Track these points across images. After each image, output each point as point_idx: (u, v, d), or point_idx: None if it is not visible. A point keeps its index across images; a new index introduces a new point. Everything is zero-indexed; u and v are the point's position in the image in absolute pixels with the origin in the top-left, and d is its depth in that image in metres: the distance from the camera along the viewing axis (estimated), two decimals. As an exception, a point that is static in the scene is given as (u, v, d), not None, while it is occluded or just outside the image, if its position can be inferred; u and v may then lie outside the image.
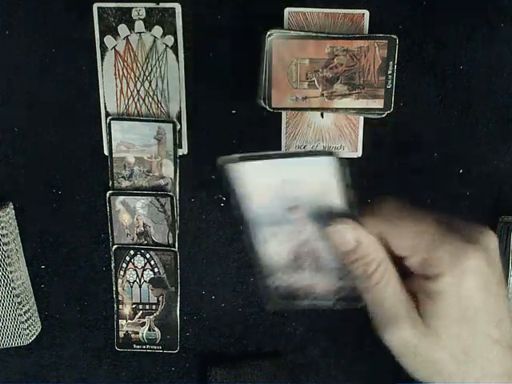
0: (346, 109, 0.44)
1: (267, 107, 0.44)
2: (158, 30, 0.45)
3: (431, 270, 0.30)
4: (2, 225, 0.45)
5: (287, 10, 0.44)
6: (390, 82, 0.44)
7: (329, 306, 0.36)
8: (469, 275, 0.29)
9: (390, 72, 0.44)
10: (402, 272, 0.31)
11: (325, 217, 0.31)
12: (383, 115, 0.45)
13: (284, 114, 0.47)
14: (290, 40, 0.43)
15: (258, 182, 0.32)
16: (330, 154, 0.30)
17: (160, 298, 0.50)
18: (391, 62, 0.43)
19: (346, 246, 0.31)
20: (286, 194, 0.32)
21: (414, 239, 0.30)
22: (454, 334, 0.30)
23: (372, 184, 0.48)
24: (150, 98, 0.46)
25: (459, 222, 0.31)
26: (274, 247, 0.33)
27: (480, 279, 0.30)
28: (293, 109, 0.45)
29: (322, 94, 0.44)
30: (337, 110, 0.44)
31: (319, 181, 0.31)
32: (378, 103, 0.44)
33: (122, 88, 0.46)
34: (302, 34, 0.43)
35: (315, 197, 0.31)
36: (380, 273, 0.31)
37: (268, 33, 0.42)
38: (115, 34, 0.45)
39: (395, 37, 0.43)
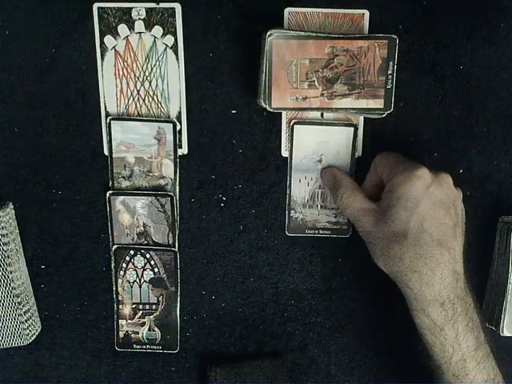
0: (346, 109, 0.44)
1: (267, 107, 0.44)
2: (157, 30, 0.45)
3: (391, 174, 0.41)
4: (2, 225, 0.45)
5: (287, 10, 0.44)
6: (390, 82, 0.44)
7: (328, 234, 0.49)
8: (415, 179, 0.40)
9: (390, 72, 0.44)
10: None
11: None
12: (383, 115, 0.45)
13: (284, 113, 0.47)
14: (290, 40, 0.43)
15: (304, 141, 0.47)
16: (351, 125, 0.47)
17: (160, 298, 0.50)
18: (391, 62, 0.43)
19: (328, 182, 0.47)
20: (318, 150, 0.47)
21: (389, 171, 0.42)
22: (398, 219, 0.40)
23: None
24: (150, 98, 0.46)
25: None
26: (300, 188, 0.48)
27: (426, 189, 0.40)
28: (293, 109, 0.45)
29: (322, 94, 0.44)
30: (337, 110, 0.44)
31: (340, 144, 0.47)
32: (378, 103, 0.44)
33: (121, 88, 0.46)
34: (302, 34, 0.43)
35: (335, 155, 0.47)
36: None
37: (268, 33, 0.42)
38: (115, 34, 0.45)
39: (395, 37, 0.43)
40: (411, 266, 0.40)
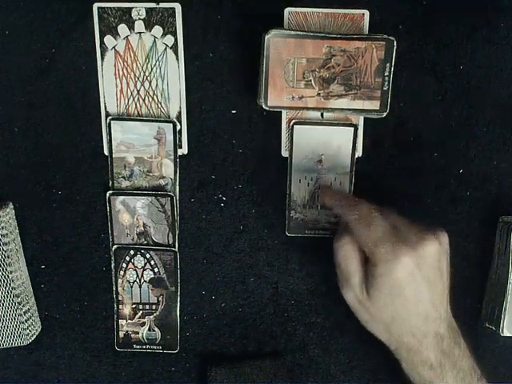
0: (342, 109, 0.44)
1: (263, 105, 0.44)
2: (157, 30, 0.45)
3: (373, 259, 0.40)
4: (2, 225, 0.45)
5: (287, 10, 0.44)
6: (386, 83, 0.44)
7: (328, 234, 0.49)
8: (399, 269, 0.39)
9: (386, 74, 0.44)
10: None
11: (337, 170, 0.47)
12: (383, 115, 0.45)
13: (284, 113, 0.47)
14: (287, 39, 0.43)
15: (304, 141, 0.47)
16: (351, 125, 0.46)
17: (160, 298, 0.50)
18: (388, 64, 0.43)
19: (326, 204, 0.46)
20: (318, 150, 0.47)
21: (367, 235, 0.41)
22: (385, 305, 0.41)
23: (372, 184, 0.48)
24: (150, 98, 0.46)
25: (412, 225, 0.41)
26: (300, 188, 0.48)
27: (409, 275, 0.39)
28: (289, 108, 0.45)
29: (319, 94, 0.44)
30: (333, 110, 0.44)
31: (340, 144, 0.47)
32: (374, 105, 0.44)
33: (122, 88, 0.46)
34: (300, 33, 0.43)
35: (335, 155, 0.47)
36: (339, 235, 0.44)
37: (266, 31, 0.42)
38: (115, 34, 0.45)
39: (393, 38, 0.43)
40: (399, 340, 0.42)
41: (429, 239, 0.40)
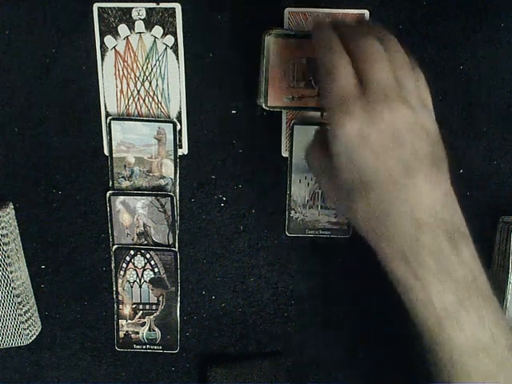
0: None
1: (263, 105, 0.44)
2: (158, 30, 0.45)
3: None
4: (2, 225, 0.45)
5: (287, 10, 0.44)
6: None
7: (328, 234, 0.49)
8: (341, 132, 0.33)
9: None
10: None
11: None
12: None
13: (284, 113, 0.47)
14: (287, 39, 0.43)
15: (304, 141, 0.44)
16: None
17: (160, 298, 0.50)
18: None
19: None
20: None
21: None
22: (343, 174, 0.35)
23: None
24: (150, 98, 0.46)
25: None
26: (300, 188, 0.48)
27: (355, 137, 0.33)
28: (289, 108, 0.45)
29: (319, 94, 0.44)
30: None
31: None
32: None
33: (122, 88, 0.46)
34: (300, 33, 0.43)
35: None
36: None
37: (266, 32, 0.42)
38: (115, 34, 0.45)
39: None
40: (368, 224, 0.36)
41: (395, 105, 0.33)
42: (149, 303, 0.50)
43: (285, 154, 0.48)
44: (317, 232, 0.49)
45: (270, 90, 0.44)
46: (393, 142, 0.34)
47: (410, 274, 0.35)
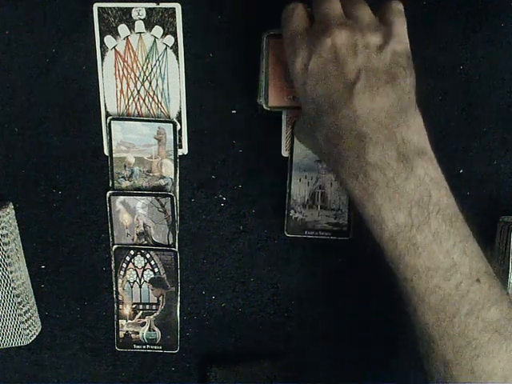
0: None
1: (264, 105, 0.44)
2: (158, 30, 0.45)
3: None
4: (2, 225, 0.45)
5: (287, 10, 0.44)
6: None
7: (328, 236, 0.48)
8: (292, 61, 0.36)
9: None
10: None
11: None
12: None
13: (284, 113, 0.47)
14: None
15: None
16: None
17: (160, 298, 0.50)
18: None
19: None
20: None
21: None
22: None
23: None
24: (150, 98, 0.46)
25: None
26: (300, 187, 0.47)
27: (301, 69, 0.36)
28: (289, 108, 0.45)
29: None
30: None
31: None
32: None
33: (122, 88, 0.46)
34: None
35: None
36: None
37: (266, 32, 0.42)
38: (115, 34, 0.45)
39: None
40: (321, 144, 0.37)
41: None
42: (149, 303, 0.50)
43: (285, 153, 0.48)
44: (316, 233, 0.49)
45: (270, 90, 0.44)
46: (332, 63, 0.35)
47: (361, 191, 0.34)
